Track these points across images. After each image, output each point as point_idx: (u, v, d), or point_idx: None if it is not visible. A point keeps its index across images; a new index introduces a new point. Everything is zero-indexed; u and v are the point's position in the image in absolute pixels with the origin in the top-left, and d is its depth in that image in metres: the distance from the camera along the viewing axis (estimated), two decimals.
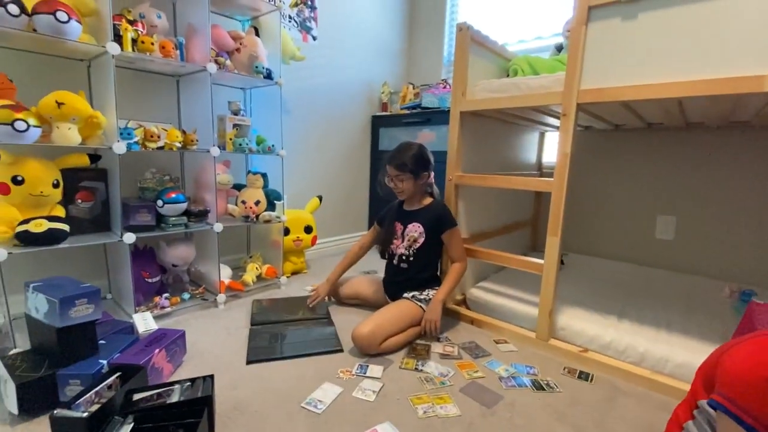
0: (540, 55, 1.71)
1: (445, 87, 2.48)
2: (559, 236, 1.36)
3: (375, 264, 2.03)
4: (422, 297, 1.54)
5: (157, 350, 1.13)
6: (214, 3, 1.76)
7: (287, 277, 2.10)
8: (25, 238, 1.23)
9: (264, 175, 1.95)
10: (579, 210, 2.30)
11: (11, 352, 1.14)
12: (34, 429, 0.95)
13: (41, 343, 1.08)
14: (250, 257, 2.09)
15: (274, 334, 1.46)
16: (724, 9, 1.02)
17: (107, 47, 1.33)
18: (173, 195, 1.59)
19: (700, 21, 1.06)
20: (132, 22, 1.45)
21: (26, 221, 1.25)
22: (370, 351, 1.33)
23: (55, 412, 0.86)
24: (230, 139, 1.78)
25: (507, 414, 1.07)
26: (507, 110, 1.58)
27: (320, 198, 2.35)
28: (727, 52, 1.03)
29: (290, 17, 2.28)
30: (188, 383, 0.99)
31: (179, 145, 1.57)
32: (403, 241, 1.61)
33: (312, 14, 2.40)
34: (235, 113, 1.83)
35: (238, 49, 1.82)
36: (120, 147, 1.38)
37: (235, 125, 1.80)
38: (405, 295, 1.56)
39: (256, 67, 1.79)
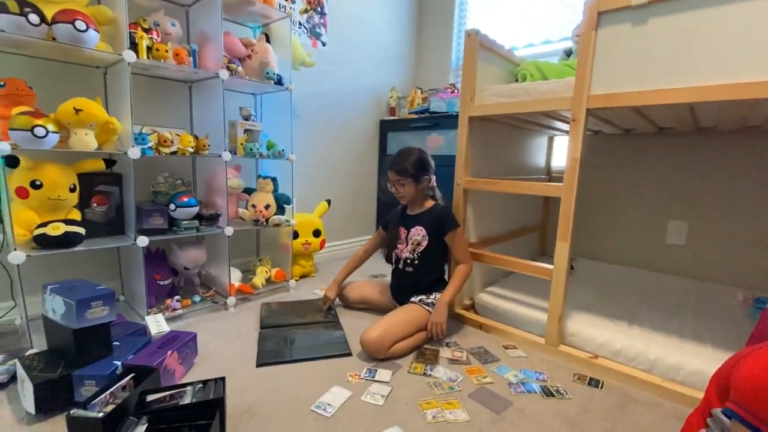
0: (549, 60, 1.71)
1: (453, 92, 2.48)
2: (569, 242, 1.35)
3: (383, 268, 2.04)
4: (429, 301, 1.54)
5: (169, 352, 1.15)
6: (226, 11, 1.80)
7: (296, 280, 2.12)
8: (43, 241, 1.26)
9: (274, 180, 1.97)
10: (588, 214, 2.28)
11: (28, 353, 1.16)
12: (50, 428, 0.97)
13: (58, 344, 1.11)
14: (260, 260, 2.11)
15: (284, 337, 1.47)
16: (736, 13, 1.02)
17: (123, 55, 1.37)
18: (185, 199, 1.61)
19: (711, 26, 1.05)
20: (147, 30, 1.49)
21: (44, 224, 1.28)
22: (378, 355, 1.34)
23: (71, 412, 0.88)
24: (241, 144, 1.80)
25: (516, 420, 1.06)
26: (516, 115, 1.59)
27: (329, 202, 2.37)
28: (740, 57, 1.02)
29: (300, 23, 2.31)
30: (200, 385, 1.01)
31: (192, 150, 1.59)
32: (407, 245, 1.61)
33: (321, 20, 2.43)
34: (246, 118, 1.85)
35: (249, 56, 1.85)
36: (135, 152, 1.41)
37: (246, 130, 1.83)
38: (412, 299, 1.56)
39: (267, 73, 1.82)
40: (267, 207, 1.90)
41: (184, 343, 1.23)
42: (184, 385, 1.00)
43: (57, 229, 1.28)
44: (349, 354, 1.37)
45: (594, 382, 1.26)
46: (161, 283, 1.67)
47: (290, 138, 1.96)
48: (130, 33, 1.40)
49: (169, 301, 1.63)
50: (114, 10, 1.42)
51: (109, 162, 1.50)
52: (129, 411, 0.91)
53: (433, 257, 1.60)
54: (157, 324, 1.33)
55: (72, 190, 1.38)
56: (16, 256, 1.20)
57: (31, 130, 1.18)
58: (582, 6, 1.25)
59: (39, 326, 1.28)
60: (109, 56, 1.40)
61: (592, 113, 1.35)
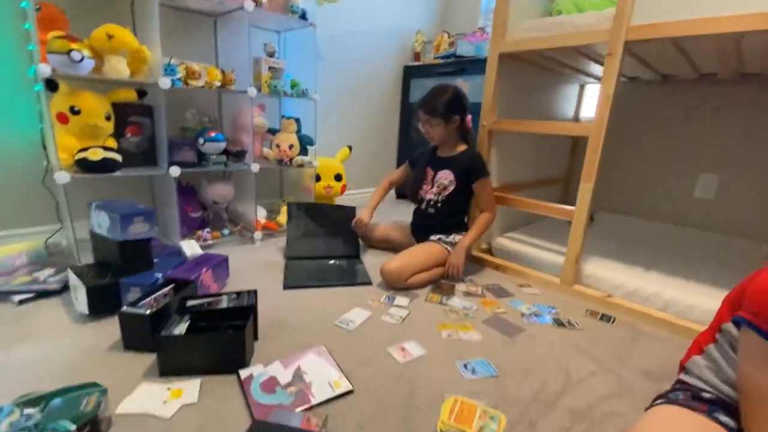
0: None
1: (482, 35, 2.38)
2: (593, 183, 1.34)
3: (405, 216, 2.07)
4: (449, 240, 1.58)
5: (204, 269, 1.24)
6: None
7: None
8: (84, 165, 1.34)
9: (297, 120, 1.99)
10: (613, 166, 2.23)
11: (78, 265, 1.27)
12: (102, 326, 1.08)
13: (104, 256, 1.21)
14: (284, 201, 2.17)
15: (308, 267, 1.55)
16: None
17: None
18: (213, 134, 1.66)
19: None
20: None
21: (84, 149, 1.35)
22: (397, 285, 1.40)
23: (122, 308, 0.98)
24: (266, 81, 1.81)
25: (527, 344, 1.12)
26: (548, 53, 1.52)
27: (350, 148, 2.38)
28: None
29: None
30: (234, 295, 1.09)
31: (219, 84, 1.61)
32: (432, 187, 1.62)
33: None
34: (270, 55, 1.84)
35: None
36: (165, 82, 1.43)
37: (270, 68, 1.83)
38: (432, 237, 1.60)
39: (292, 6, 1.78)
40: (291, 147, 1.93)
41: (217, 264, 1.31)
42: (219, 294, 1.09)
43: (96, 155, 1.35)
44: (370, 283, 1.45)
45: (606, 318, 1.30)
46: (192, 215, 1.76)
47: (314, 77, 1.94)
48: None
49: (199, 232, 1.72)
50: None
51: (141, 93, 1.54)
52: (172, 312, 1.00)
53: (456, 202, 1.61)
54: (190, 247, 1.42)
55: (108, 118, 1.44)
56: (61, 176, 1.28)
57: (68, 53, 1.22)
58: None
59: (85, 247, 1.39)
60: None
61: (631, 48, 1.28)
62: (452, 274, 1.49)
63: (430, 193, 1.63)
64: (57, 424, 0.66)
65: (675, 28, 1.12)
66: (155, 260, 1.27)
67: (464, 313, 1.26)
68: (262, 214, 1.95)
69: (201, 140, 1.64)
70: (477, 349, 1.07)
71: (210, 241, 1.71)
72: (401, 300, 1.33)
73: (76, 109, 1.34)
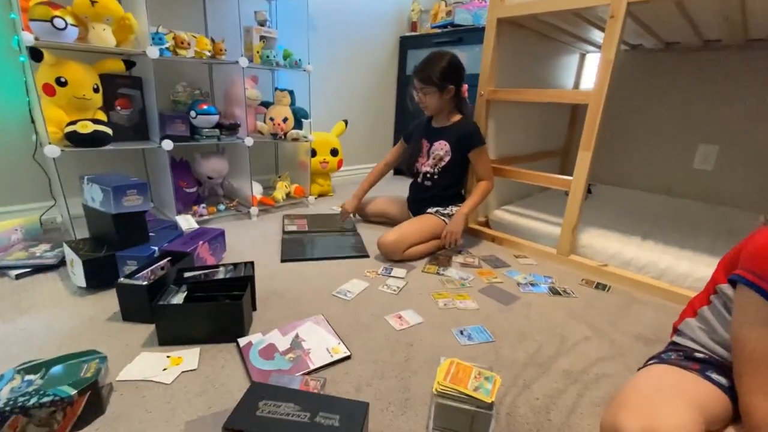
0: None
1: (480, 2, 2.30)
2: (592, 151, 1.32)
3: (402, 191, 2.05)
4: (446, 212, 1.57)
5: (201, 242, 1.23)
6: None
7: (314, 197, 2.17)
8: (74, 138, 1.31)
9: (291, 93, 1.94)
10: (611, 139, 2.20)
11: (73, 240, 1.26)
12: (100, 298, 1.09)
13: (99, 230, 1.20)
14: (279, 177, 2.15)
15: (305, 241, 1.55)
16: None
17: None
18: (205, 107, 1.62)
19: None
20: None
21: (73, 123, 1.32)
22: (394, 257, 1.40)
23: (119, 280, 0.98)
24: (257, 51, 1.75)
25: (523, 311, 1.13)
26: (548, 18, 1.47)
27: (346, 122, 2.34)
28: None
29: None
30: (231, 267, 1.09)
31: (209, 53, 1.57)
32: (428, 159, 1.60)
33: None
34: (262, 24, 1.78)
35: None
36: (153, 51, 1.39)
37: (261, 37, 1.77)
38: (429, 210, 1.60)
39: None
40: (285, 120, 1.89)
41: (213, 237, 1.31)
42: (216, 266, 1.09)
43: (86, 128, 1.32)
44: (367, 256, 1.45)
45: (601, 286, 1.31)
46: (187, 190, 1.75)
47: (307, 48, 1.89)
48: None
49: (195, 207, 1.71)
50: None
51: (129, 63, 1.50)
52: (169, 283, 1.00)
53: (453, 173, 1.59)
54: (186, 221, 1.42)
55: (96, 90, 1.40)
56: (51, 150, 1.26)
57: (51, 21, 1.17)
58: None
59: (79, 223, 1.38)
60: None
61: (633, 11, 1.24)
62: (449, 242, 1.49)
63: (426, 165, 1.61)
64: (57, 390, 0.66)
65: None
66: (151, 234, 1.26)
67: (461, 283, 1.27)
68: (257, 190, 1.93)
69: (193, 113, 1.60)
70: (473, 317, 1.08)
71: (206, 216, 1.70)
72: (398, 271, 1.33)
73: (62, 80, 1.31)
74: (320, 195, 2.30)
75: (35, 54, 1.21)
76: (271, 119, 1.89)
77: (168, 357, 0.86)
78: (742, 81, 1.83)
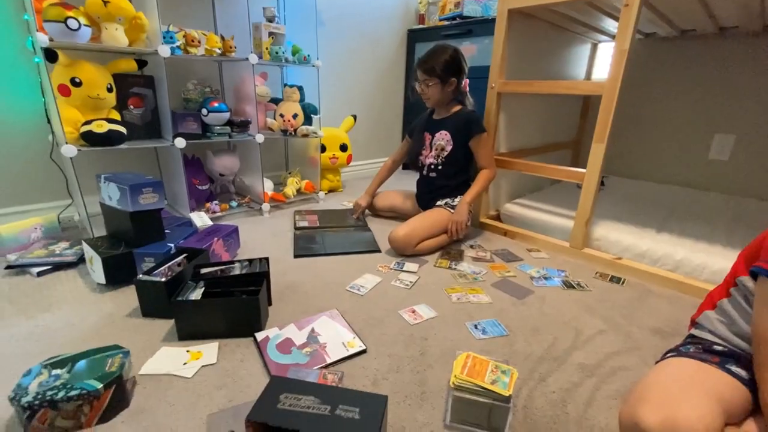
0: None
1: None
2: (605, 143, 1.31)
3: (411, 186, 2.05)
4: (454, 203, 1.57)
5: (215, 239, 1.25)
6: None
7: (324, 193, 2.18)
8: (90, 138, 1.33)
9: (300, 89, 1.94)
10: (624, 130, 2.17)
11: (92, 238, 1.29)
12: (119, 295, 1.11)
13: (116, 228, 1.22)
14: (289, 173, 2.16)
15: (317, 237, 1.56)
16: None
17: None
18: (216, 104, 1.63)
19: None
20: None
21: (88, 122, 1.34)
22: (405, 252, 1.41)
23: (138, 277, 1.00)
24: (266, 48, 1.75)
25: (537, 304, 1.13)
26: (560, 8, 1.45)
27: (354, 117, 2.34)
28: None
29: None
30: (246, 262, 1.11)
31: (219, 51, 1.57)
32: (431, 151, 1.61)
33: None
34: (270, 20, 1.78)
35: None
36: (165, 50, 1.40)
37: (270, 33, 1.77)
38: (438, 203, 1.59)
39: None
40: (295, 116, 1.90)
41: (227, 234, 1.33)
42: (232, 262, 1.10)
43: (101, 127, 1.34)
44: (379, 251, 1.46)
45: (615, 279, 1.30)
46: (200, 187, 1.77)
47: (315, 43, 1.88)
48: None
49: (208, 204, 1.73)
50: None
51: (141, 63, 1.51)
52: (186, 279, 1.02)
53: (456, 162, 1.59)
54: (200, 218, 1.44)
55: (109, 90, 1.42)
56: (69, 149, 1.28)
57: (65, 21, 1.19)
58: None
59: (96, 221, 1.40)
60: None
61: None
62: (454, 232, 1.48)
63: (429, 157, 1.61)
64: (84, 383, 0.68)
65: None
66: (167, 231, 1.28)
67: (473, 277, 1.27)
68: (268, 187, 1.95)
69: (204, 111, 1.62)
70: (487, 311, 1.08)
71: (219, 213, 1.72)
72: (410, 266, 1.34)
73: (77, 80, 1.32)
74: (330, 190, 2.31)
75: (50, 55, 1.23)
76: (281, 116, 1.90)
77: (188, 351, 0.87)
78: (759, 68, 1.79)
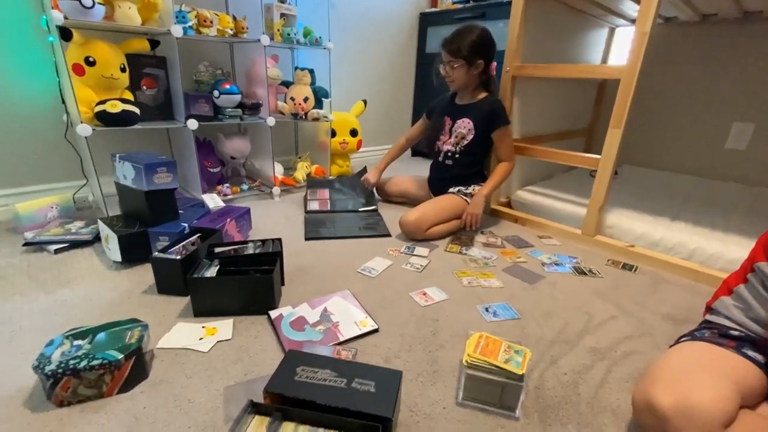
0: None
1: None
2: (622, 129, 1.28)
3: (421, 173, 2.05)
4: (468, 191, 1.56)
5: (228, 219, 1.26)
6: None
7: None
8: (104, 118, 1.34)
9: (311, 72, 1.93)
10: (639, 118, 2.13)
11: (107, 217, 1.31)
12: (134, 272, 1.13)
13: (131, 207, 1.23)
14: (299, 158, 2.16)
15: (328, 221, 1.57)
16: None
17: None
18: (227, 86, 1.63)
19: None
20: None
21: (102, 102, 1.34)
22: (416, 236, 1.41)
23: (154, 254, 1.01)
24: (278, 29, 1.74)
25: (548, 290, 1.13)
26: None
27: (365, 102, 2.32)
28: None
29: None
30: (259, 243, 1.12)
31: (231, 31, 1.56)
32: (450, 137, 1.58)
33: None
34: (282, 1, 1.76)
35: None
36: (177, 30, 1.39)
37: (282, 14, 1.75)
38: (450, 189, 1.58)
39: None
40: (306, 100, 1.89)
41: (240, 215, 1.34)
42: (245, 242, 1.11)
43: (115, 107, 1.35)
44: (389, 235, 1.46)
45: (628, 267, 1.29)
46: (211, 170, 1.77)
47: (327, 25, 1.86)
48: None
49: (219, 187, 1.74)
50: None
51: (153, 43, 1.50)
52: (201, 257, 1.03)
53: (475, 152, 1.56)
54: (213, 200, 1.45)
55: (123, 69, 1.42)
56: (84, 129, 1.29)
57: None
58: None
59: (110, 201, 1.42)
60: None
61: None
62: (469, 224, 1.48)
63: (447, 144, 1.59)
64: (106, 354, 0.70)
65: None
66: (180, 212, 1.29)
67: (484, 262, 1.27)
68: (279, 171, 1.95)
69: (216, 93, 1.61)
70: (498, 295, 1.09)
71: (230, 196, 1.73)
72: (421, 250, 1.34)
73: (91, 59, 1.33)
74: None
75: (65, 33, 1.23)
76: (292, 99, 1.89)
77: (203, 327, 0.89)
78: None
